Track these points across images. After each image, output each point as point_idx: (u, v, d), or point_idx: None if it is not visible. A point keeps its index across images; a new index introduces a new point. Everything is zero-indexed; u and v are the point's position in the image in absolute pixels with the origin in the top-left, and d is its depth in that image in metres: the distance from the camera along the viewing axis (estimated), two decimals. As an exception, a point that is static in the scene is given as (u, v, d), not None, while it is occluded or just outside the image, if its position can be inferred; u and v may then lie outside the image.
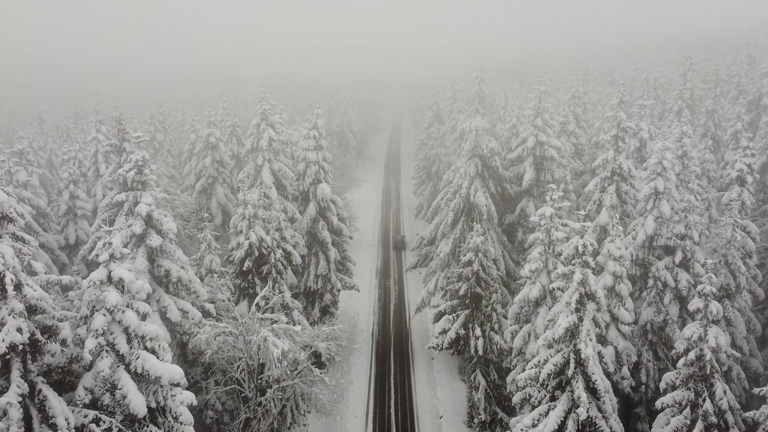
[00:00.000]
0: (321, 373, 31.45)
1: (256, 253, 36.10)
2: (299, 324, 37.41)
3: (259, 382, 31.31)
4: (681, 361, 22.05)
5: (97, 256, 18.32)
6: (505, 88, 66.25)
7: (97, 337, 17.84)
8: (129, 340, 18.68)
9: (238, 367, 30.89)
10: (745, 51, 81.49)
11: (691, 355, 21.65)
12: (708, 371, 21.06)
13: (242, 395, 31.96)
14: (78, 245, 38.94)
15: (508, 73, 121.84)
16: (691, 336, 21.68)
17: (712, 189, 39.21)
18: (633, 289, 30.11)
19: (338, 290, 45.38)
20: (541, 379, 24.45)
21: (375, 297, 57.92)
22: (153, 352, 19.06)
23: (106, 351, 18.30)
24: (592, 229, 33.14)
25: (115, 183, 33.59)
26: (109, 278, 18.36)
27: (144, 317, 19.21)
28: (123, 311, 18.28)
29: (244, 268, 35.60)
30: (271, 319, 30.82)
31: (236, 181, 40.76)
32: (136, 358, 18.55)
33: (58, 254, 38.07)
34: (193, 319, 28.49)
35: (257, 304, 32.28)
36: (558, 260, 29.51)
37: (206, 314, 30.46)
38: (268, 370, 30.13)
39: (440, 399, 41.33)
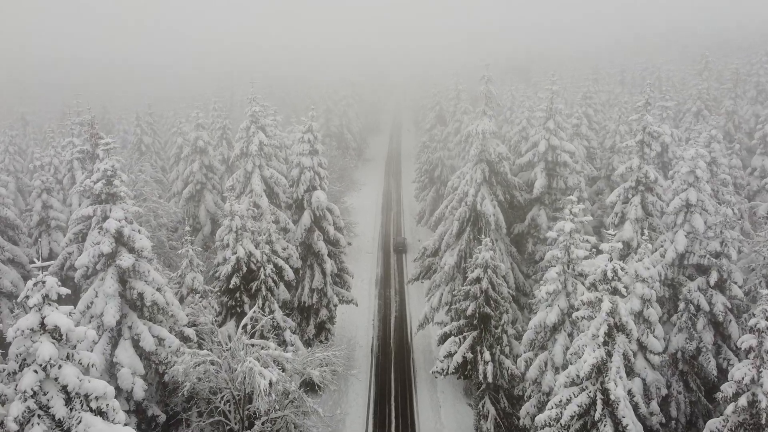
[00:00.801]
0: (316, 397, 28.41)
1: (244, 269, 33.02)
2: (292, 345, 34.39)
3: (246, 413, 28.25)
4: (730, 408, 18.99)
5: (27, 298, 15.09)
6: (512, 88, 63.10)
7: (25, 400, 14.71)
8: (68, 401, 15.52)
9: (222, 397, 27.83)
10: (762, 48, 78.17)
11: (742, 400, 18.61)
12: (763, 421, 18.01)
13: (228, 428, 28.92)
14: (52, 259, 35.87)
15: (513, 72, 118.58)
16: (742, 379, 18.62)
17: (743, 199, 36.07)
18: (661, 312, 27.04)
19: (335, 305, 42.32)
20: (563, 421, 21.36)
21: (374, 309, 54.82)
22: (100, 413, 15.89)
23: (38, 416, 15.16)
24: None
25: (83, 195, 30.54)
26: (42, 326, 15.12)
27: (88, 370, 16.00)
28: (60, 366, 15.15)
29: (231, 286, 32.50)
30: (260, 345, 27.75)
31: (226, 188, 37.63)
32: (78, 423, 15.31)
33: (29, 269, 34.99)
34: (170, 347, 25.43)
35: (244, 327, 29.25)
36: (578, 281, 26.42)
37: (186, 340, 27.40)
38: (256, 401, 27.08)
39: (444, 423, 38.22)
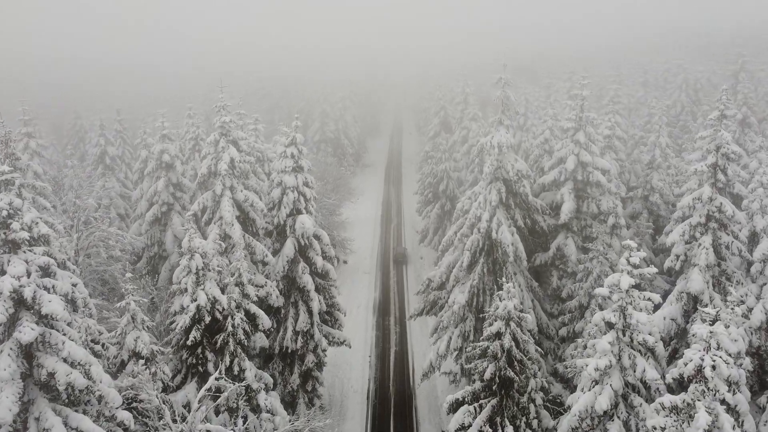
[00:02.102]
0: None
1: (207, 319, 26.55)
2: (267, 411, 27.95)
3: None
4: None
5: None
6: (525, 92, 56.53)
7: None
8: None
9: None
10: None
11: None
12: None
13: None
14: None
15: (518, 73, 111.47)
16: None
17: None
18: (749, 396, 20.58)
19: (324, 350, 35.81)
20: None
21: (371, 342, 48.36)
22: None
23: None
24: (676, 296, 23.51)
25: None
26: None
27: None
28: None
29: (189, 342, 26.02)
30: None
31: (186, 216, 31.11)
32: None
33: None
34: (94, 442, 18.97)
35: (202, 400, 22.83)
36: (635, 351, 19.92)
37: (121, 426, 20.94)
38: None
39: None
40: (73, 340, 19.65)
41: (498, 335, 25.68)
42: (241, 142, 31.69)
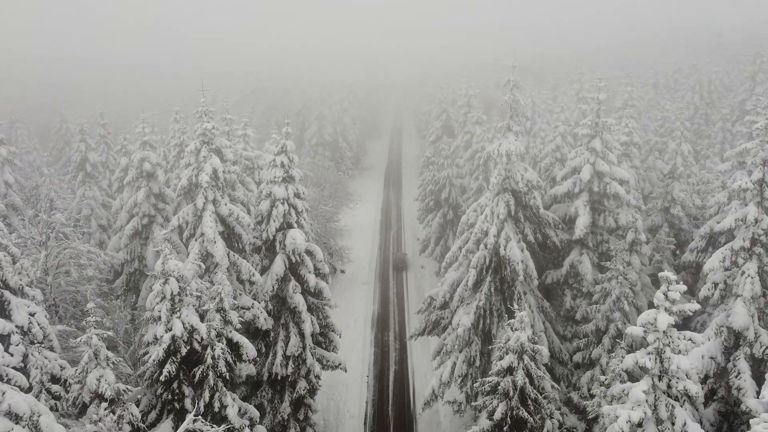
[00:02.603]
0: None
1: (184, 351, 23.75)
2: (253, 451, 25.15)
3: None
4: None
5: None
6: (532, 94, 53.64)
7: None
8: None
9: None
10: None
11: None
12: None
13: None
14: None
15: (521, 73, 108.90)
16: None
17: None
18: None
19: (316, 375, 32.96)
20: None
21: (369, 360, 45.53)
22: None
23: None
24: (715, 330, 20.68)
25: None
26: None
27: None
28: None
29: (164, 377, 23.20)
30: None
31: (161, 236, 28.25)
32: None
33: None
34: None
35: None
36: (673, 401, 17.09)
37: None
38: None
39: None
40: (18, 386, 16.85)
41: (510, 370, 22.85)
42: (225, 151, 28.86)
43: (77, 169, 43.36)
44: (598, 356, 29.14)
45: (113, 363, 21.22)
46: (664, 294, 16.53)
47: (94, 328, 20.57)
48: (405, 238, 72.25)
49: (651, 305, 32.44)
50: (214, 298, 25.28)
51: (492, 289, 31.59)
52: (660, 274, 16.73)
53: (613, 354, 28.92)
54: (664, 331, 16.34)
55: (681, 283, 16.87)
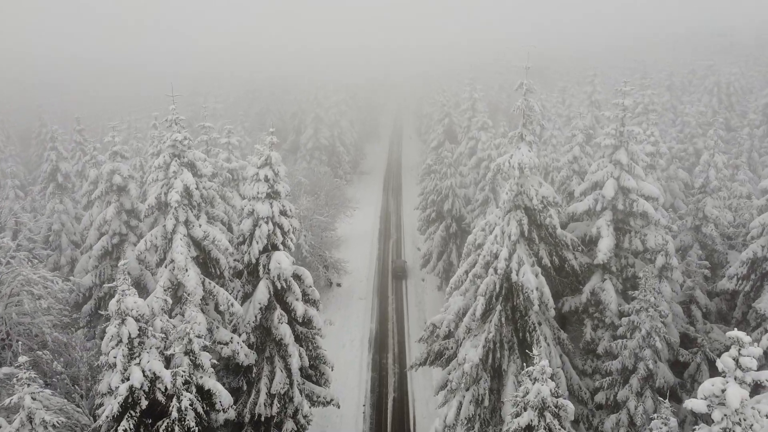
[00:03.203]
0: None
1: (144, 404, 20.16)
2: None
3: None
4: None
5: None
6: (541, 97, 50.05)
7: None
8: None
9: None
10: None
11: None
12: None
13: None
14: None
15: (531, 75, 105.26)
16: None
17: None
18: None
19: (305, 416, 29.35)
20: None
21: (366, 387, 41.95)
22: None
23: None
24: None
25: None
26: None
27: None
28: None
29: (119, 436, 19.61)
30: None
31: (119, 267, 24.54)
32: None
33: None
34: None
35: None
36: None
37: None
38: None
39: None
40: None
41: (529, 429, 19.26)
42: (201, 164, 25.25)
43: (47, 180, 39.73)
44: (624, 398, 25.57)
45: (55, 426, 17.58)
46: (734, 360, 12.96)
47: (28, 385, 16.96)
48: (405, 247, 68.79)
49: (685, 338, 28.98)
50: (182, 338, 21.71)
51: (503, 319, 27.95)
52: (728, 334, 13.15)
53: (643, 397, 25.42)
54: (735, 409, 12.77)
55: (736, 330, 13.25)
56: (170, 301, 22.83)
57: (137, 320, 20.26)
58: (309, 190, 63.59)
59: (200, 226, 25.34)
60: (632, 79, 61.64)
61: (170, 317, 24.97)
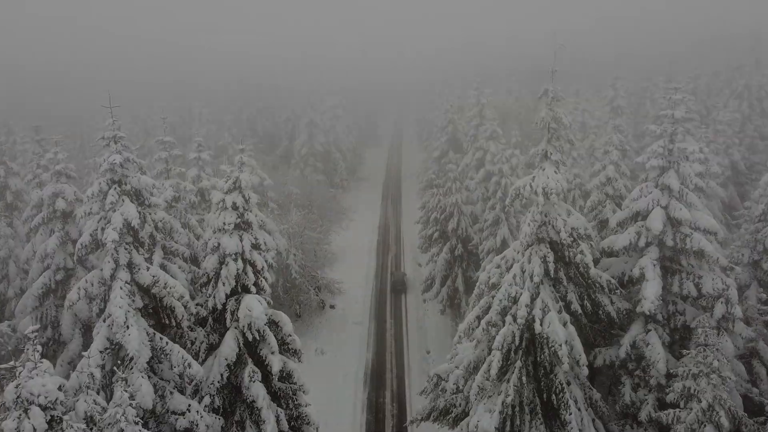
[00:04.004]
0: None
1: None
2: None
3: None
4: None
5: None
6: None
7: None
8: None
9: None
10: None
11: None
12: None
13: None
14: None
15: (535, 77, 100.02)
16: None
17: None
18: None
19: (283, 493, 24.24)
20: None
21: (362, 430, 36.79)
22: None
23: None
24: None
25: None
26: None
27: None
28: None
29: None
30: None
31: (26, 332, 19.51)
32: None
33: None
34: None
35: None
36: None
37: None
38: None
39: None
40: None
41: None
42: (148, 192, 20.15)
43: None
44: (678, 483, 20.42)
45: None
46: None
47: None
48: (405, 261, 63.76)
49: (746, 400, 23.94)
50: (113, 426, 16.59)
51: (523, 378, 22.86)
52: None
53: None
54: None
55: None
56: (96, 377, 17.69)
57: (46, 408, 15.18)
58: (301, 202, 58.58)
59: (148, 269, 20.22)
60: (655, 83, 56.60)
61: (109, 385, 19.92)
